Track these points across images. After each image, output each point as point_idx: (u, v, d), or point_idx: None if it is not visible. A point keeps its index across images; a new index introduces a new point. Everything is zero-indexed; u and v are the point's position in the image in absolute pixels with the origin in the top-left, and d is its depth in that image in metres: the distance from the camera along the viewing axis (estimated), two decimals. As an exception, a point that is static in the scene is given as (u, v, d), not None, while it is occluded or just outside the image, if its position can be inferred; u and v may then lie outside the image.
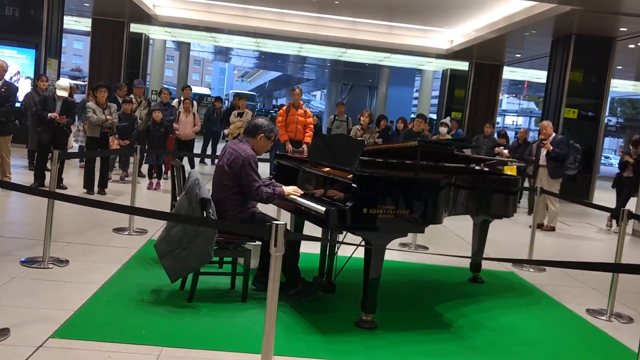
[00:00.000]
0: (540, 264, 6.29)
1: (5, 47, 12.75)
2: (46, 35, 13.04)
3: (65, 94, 8.12)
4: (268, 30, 17.99)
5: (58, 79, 12.04)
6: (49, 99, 8.04)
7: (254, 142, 4.38)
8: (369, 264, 3.90)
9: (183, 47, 29.12)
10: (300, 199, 4.20)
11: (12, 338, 3.24)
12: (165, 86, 17.06)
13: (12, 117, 7.94)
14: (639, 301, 5.35)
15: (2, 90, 7.64)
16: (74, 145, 10.59)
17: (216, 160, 13.57)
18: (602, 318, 4.79)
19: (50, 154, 6.35)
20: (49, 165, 7.43)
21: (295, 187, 4.29)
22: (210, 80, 78.01)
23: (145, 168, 9.93)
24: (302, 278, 4.46)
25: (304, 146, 8.83)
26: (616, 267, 4.44)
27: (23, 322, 3.46)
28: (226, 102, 32.44)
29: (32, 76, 12.37)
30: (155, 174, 9.29)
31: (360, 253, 4.10)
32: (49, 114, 7.86)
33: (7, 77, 8.06)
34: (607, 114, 15.66)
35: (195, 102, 10.96)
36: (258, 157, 4.40)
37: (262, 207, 4.57)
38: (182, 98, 10.77)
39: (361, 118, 9.92)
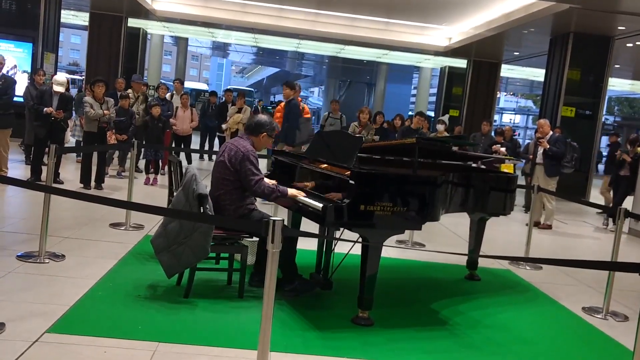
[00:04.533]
0: (537, 262, 6.31)
1: (2, 41, 12.69)
2: (43, 29, 12.98)
3: (62, 89, 8.10)
4: (266, 26, 17.95)
5: (55, 73, 12.00)
6: (46, 94, 8.01)
7: (255, 140, 4.38)
8: (365, 260, 3.90)
9: (181, 42, 29.05)
10: (297, 196, 4.19)
11: (8, 333, 3.23)
12: (162, 81, 17.01)
13: (10, 110, 7.91)
14: (634, 299, 5.37)
15: (0, 82, 7.63)
16: (70, 140, 10.56)
17: (214, 156, 13.54)
18: (598, 316, 4.81)
19: (47, 149, 6.34)
20: (45, 160, 7.42)
21: (300, 191, 4.27)
22: (208, 75, 77.84)
23: (142, 163, 9.91)
24: (299, 275, 4.46)
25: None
26: (612, 266, 4.46)
27: (19, 317, 3.45)
28: (223, 97, 32.37)
29: (29, 70, 12.33)
30: (152, 169, 9.27)
31: (357, 250, 4.10)
32: (45, 109, 7.84)
33: (3, 70, 8.01)
34: (604, 112, 15.69)
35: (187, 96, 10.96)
36: (258, 152, 4.40)
37: (259, 206, 4.56)
38: (174, 92, 10.77)
39: (360, 115, 9.91)
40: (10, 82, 7.93)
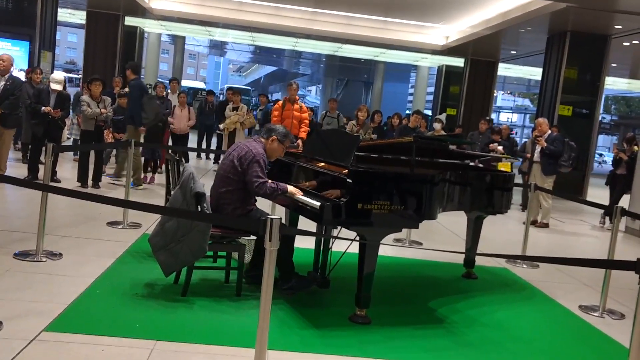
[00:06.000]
0: (534, 260, 6.32)
1: (-1, 39, 12.69)
2: (40, 27, 12.96)
3: (59, 87, 8.09)
4: (263, 25, 17.95)
5: (52, 71, 11.98)
6: (43, 92, 8.00)
7: (266, 144, 4.37)
8: (363, 259, 3.91)
9: (178, 41, 29.02)
10: (295, 195, 4.19)
11: (5, 331, 3.23)
12: (160, 80, 17.00)
13: (17, 111, 7.89)
14: (630, 297, 5.38)
15: (8, 83, 7.62)
16: (67, 138, 10.54)
17: (211, 155, 13.46)
18: (595, 314, 4.82)
19: (44, 147, 6.32)
20: (42, 159, 7.40)
21: (298, 189, 4.27)
22: (205, 74, 77.76)
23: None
24: (296, 272, 4.46)
25: (299, 141, 8.82)
26: (609, 264, 4.47)
27: (16, 316, 3.45)
28: (221, 96, 32.36)
29: (26, 68, 12.30)
30: (150, 168, 9.27)
31: (354, 248, 4.10)
32: (43, 108, 7.82)
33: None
34: (601, 111, 15.71)
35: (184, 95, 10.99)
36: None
37: (258, 204, 4.56)
38: (169, 91, 10.80)
39: (359, 113, 9.90)
40: (18, 84, 7.90)
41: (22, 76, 11.90)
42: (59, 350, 3.11)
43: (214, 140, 14.29)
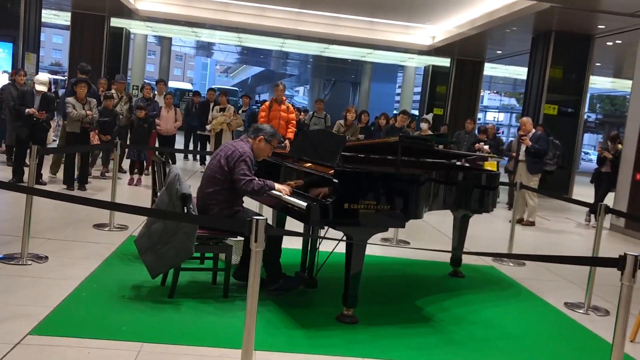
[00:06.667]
0: (520, 258, 6.37)
1: (-18, 41, 12.56)
2: (24, 28, 12.84)
3: (44, 88, 8.03)
4: (250, 25, 17.92)
5: (37, 73, 11.88)
6: (28, 94, 7.94)
7: (253, 143, 4.37)
8: (350, 258, 3.92)
9: (164, 42, 28.90)
10: (282, 195, 4.19)
11: (-10, 335, 3.21)
12: (146, 81, 16.92)
13: None
14: (615, 294, 5.41)
15: None
16: (53, 140, 10.46)
17: (198, 156, 13.41)
18: (580, 311, 4.87)
19: (29, 149, 6.27)
20: (27, 161, 7.33)
21: (286, 187, 4.27)
22: (192, 75, 77.45)
23: (126, 164, 9.85)
24: (283, 273, 4.47)
25: (286, 142, 8.83)
26: (593, 261, 4.52)
27: (1, 319, 3.42)
28: (206, 97, 32.25)
29: (10, 70, 12.19)
30: (136, 170, 9.22)
31: (341, 248, 4.11)
32: (27, 110, 7.76)
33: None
34: (586, 110, 15.84)
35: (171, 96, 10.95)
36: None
37: (245, 204, 4.55)
38: (156, 93, 10.76)
39: (347, 114, 9.92)
40: None
41: (5, 78, 11.82)
42: (44, 354, 3.09)
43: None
